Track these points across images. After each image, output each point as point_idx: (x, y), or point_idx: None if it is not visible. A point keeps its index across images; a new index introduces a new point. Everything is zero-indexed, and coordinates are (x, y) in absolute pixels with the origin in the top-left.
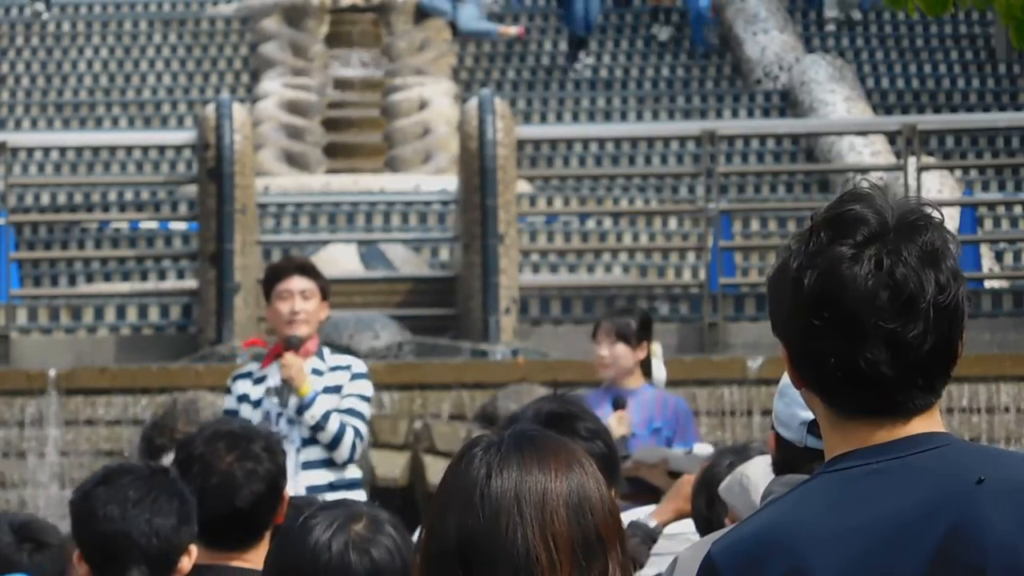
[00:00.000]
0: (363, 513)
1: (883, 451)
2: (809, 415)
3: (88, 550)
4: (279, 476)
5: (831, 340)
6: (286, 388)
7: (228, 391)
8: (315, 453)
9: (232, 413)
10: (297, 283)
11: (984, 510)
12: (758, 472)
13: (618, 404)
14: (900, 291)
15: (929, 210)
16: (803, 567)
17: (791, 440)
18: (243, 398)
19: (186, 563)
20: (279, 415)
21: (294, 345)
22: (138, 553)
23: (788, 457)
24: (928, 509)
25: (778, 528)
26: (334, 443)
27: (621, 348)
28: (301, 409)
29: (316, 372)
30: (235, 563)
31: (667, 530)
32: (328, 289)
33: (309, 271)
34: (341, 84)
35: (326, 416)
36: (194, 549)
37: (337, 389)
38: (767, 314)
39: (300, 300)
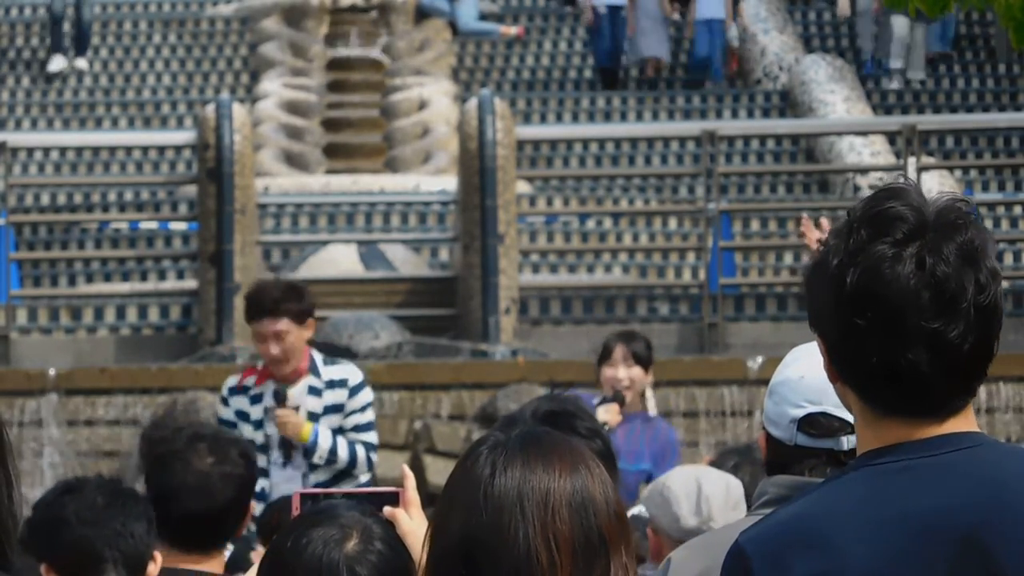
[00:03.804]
0: (354, 527)
1: (916, 449)
2: (799, 413)
3: (61, 560)
4: (252, 485)
5: (873, 339)
6: (286, 443)
7: (224, 402)
8: (323, 475)
9: (230, 425)
10: (269, 325)
11: (1010, 511)
12: (679, 483)
13: (616, 398)
14: (942, 291)
15: (966, 208)
16: (831, 561)
17: (781, 439)
18: (242, 415)
19: (152, 569)
20: (283, 438)
21: (282, 399)
22: (117, 555)
23: (779, 456)
24: (955, 508)
25: (808, 520)
26: (350, 466)
27: (638, 371)
28: (307, 454)
29: (313, 391)
30: (195, 567)
31: None
32: (309, 311)
33: (280, 309)
34: (339, 67)
35: (333, 451)
36: (159, 556)
37: (337, 408)
38: (767, 314)
39: (274, 344)
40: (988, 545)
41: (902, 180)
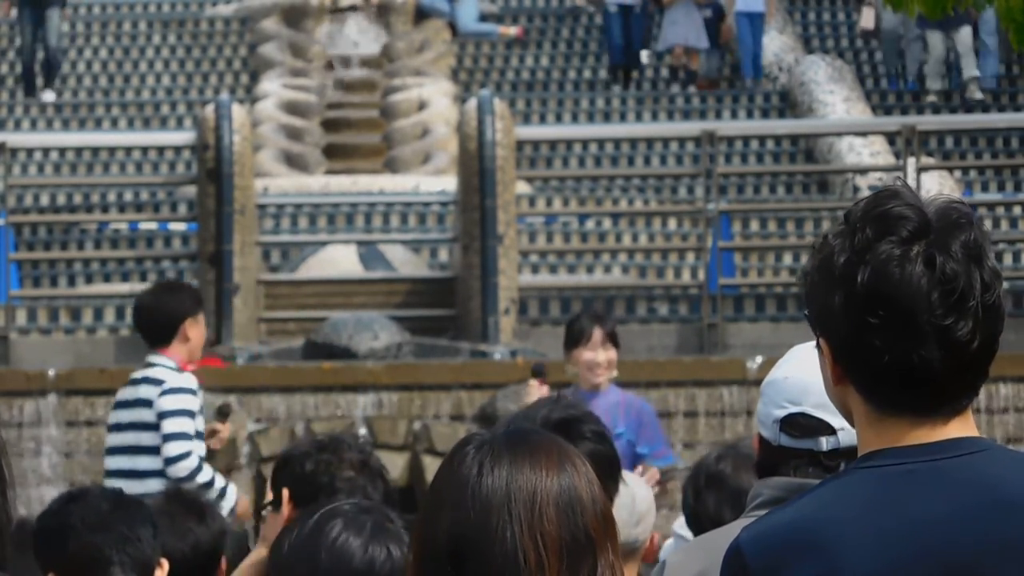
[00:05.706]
0: (373, 509)
1: (918, 452)
2: (781, 413)
3: (70, 567)
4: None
5: (885, 337)
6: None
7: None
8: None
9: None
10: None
11: (1011, 520)
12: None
13: (537, 373)
14: (952, 289)
15: (965, 208)
16: (832, 566)
17: (768, 439)
18: (143, 403)
19: (160, 574)
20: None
21: (226, 415)
22: (126, 559)
23: (767, 457)
24: (956, 517)
25: (809, 523)
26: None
27: (614, 353)
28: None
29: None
30: None
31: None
32: None
33: None
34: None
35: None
36: (165, 563)
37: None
38: (766, 315)
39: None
40: (981, 559)
41: (898, 182)
